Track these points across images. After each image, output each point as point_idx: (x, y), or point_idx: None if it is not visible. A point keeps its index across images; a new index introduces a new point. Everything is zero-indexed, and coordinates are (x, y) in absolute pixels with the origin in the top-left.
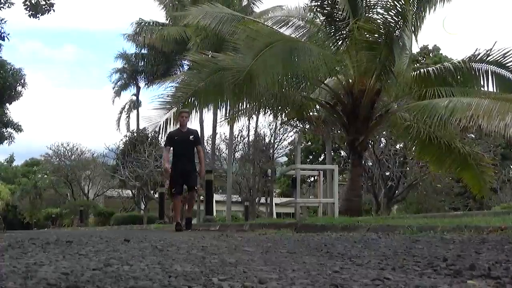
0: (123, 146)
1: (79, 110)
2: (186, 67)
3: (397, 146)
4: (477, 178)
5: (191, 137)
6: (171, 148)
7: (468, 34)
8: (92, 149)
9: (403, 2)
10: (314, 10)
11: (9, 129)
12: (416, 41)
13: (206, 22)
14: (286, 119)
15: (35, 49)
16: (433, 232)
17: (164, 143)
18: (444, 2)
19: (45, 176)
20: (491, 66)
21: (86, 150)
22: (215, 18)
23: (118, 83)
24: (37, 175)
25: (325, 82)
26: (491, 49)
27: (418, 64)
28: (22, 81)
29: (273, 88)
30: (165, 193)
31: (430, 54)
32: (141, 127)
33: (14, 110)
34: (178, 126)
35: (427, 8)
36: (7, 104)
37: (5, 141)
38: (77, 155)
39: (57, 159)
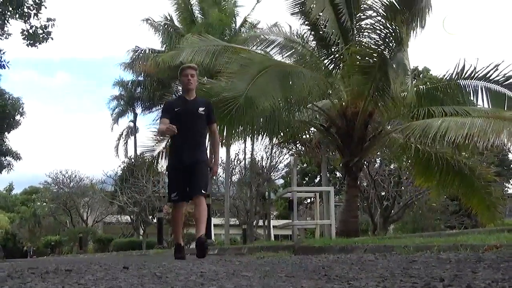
0: (121, 172)
1: (77, 138)
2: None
3: (392, 166)
4: (485, 203)
5: (200, 109)
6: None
7: (455, 55)
8: (91, 176)
9: (396, 23)
10: (306, 34)
11: (8, 158)
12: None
13: (199, 58)
14: (281, 141)
15: (29, 77)
16: (430, 251)
17: (160, 117)
18: (422, 27)
19: (44, 204)
20: (480, 82)
21: (84, 176)
22: (208, 53)
23: (116, 110)
24: (36, 203)
25: (318, 105)
26: (476, 65)
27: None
28: (21, 109)
29: (268, 112)
30: (164, 217)
31: (420, 76)
32: (138, 153)
33: (12, 139)
34: (181, 94)
35: (415, 29)
36: (5, 133)
37: (4, 170)
38: (76, 182)
39: (56, 187)
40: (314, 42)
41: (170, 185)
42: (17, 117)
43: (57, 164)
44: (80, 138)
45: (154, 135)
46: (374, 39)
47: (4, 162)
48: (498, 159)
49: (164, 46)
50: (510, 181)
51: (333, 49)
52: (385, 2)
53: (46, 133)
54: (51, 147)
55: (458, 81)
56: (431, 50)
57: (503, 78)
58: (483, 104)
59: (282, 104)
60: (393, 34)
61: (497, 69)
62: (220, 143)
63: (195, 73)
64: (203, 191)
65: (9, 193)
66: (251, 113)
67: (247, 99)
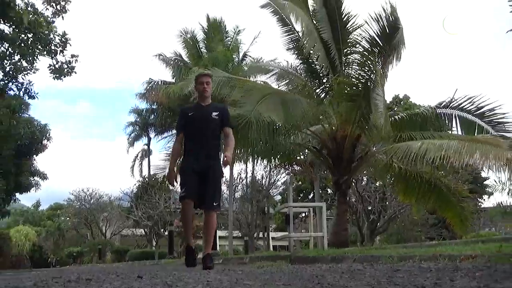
0: (136, 190)
1: (96, 159)
2: None
3: (377, 184)
4: (458, 216)
5: (214, 114)
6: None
7: (433, 84)
8: (109, 193)
9: (372, 61)
10: (300, 67)
11: (36, 178)
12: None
13: None
14: (278, 164)
15: (54, 105)
16: (412, 261)
17: (176, 126)
18: (398, 60)
19: (68, 218)
20: (455, 111)
21: (103, 194)
22: (213, 84)
23: (132, 135)
24: (60, 218)
25: (311, 129)
26: (453, 96)
27: (391, 111)
28: (48, 135)
29: (268, 135)
30: (175, 229)
31: (401, 102)
32: (152, 173)
33: (40, 161)
34: (197, 100)
35: (390, 65)
36: (34, 156)
37: (33, 189)
38: (96, 199)
39: (78, 203)
40: (307, 73)
41: (181, 186)
42: (45, 142)
43: (79, 183)
44: (100, 159)
45: (166, 157)
46: (359, 71)
47: (33, 181)
48: (472, 176)
49: (174, 78)
50: (483, 196)
51: (323, 80)
52: (368, 39)
53: (70, 155)
54: (74, 168)
55: (436, 109)
56: (411, 79)
57: (475, 108)
58: (457, 131)
59: (281, 128)
60: (374, 66)
61: (470, 101)
62: (233, 144)
63: (210, 80)
64: (214, 204)
65: (37, 209)
66: (258, 130)
67: (255, 115)
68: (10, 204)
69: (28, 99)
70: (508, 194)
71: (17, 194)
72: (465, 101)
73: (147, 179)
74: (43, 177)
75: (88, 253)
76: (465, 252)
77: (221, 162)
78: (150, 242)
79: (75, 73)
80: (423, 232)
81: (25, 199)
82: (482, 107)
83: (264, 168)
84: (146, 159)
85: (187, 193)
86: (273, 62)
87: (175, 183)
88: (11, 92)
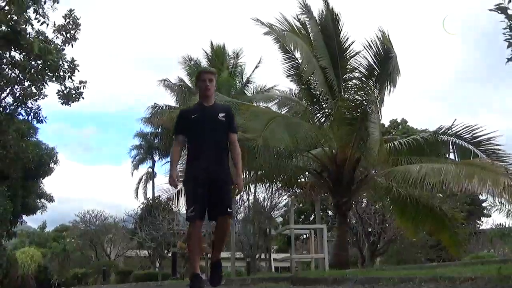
0: (140, 212)
1: (102, 182)
2: None
3: (377, 206)
4: (453, 239)
5: (221, 115)
6: (185, 138)
7: (430, 108)
8: (114, 215)
9: (369, 86)
10: (301, 92)
11: (42, 200)
12: (380, 115)
13: None
14: (280, 187)
15: (61, 129)
16: (412, 283)
17: (174, 129)
18: (393, 86)
19: (73, 240)
20: (452, 138)
21: (108, 216)
22: None
23: (137, 158)
24: (65, 240)
25: (312, 152)
26: (452, 124)
27: (390, 135)
28: (55, 158)
29: (273, 158)
30: (178, 251)
31: (400, 126)
32: (156, 195)
33: (46, 183)
34: (198, 100)
35: (386, 90)
36: (41, 179)
37: (39, 211)
38: (101, 221)
39: (83, 225)
40: (307, 98)
41: (188, 201)
42: (52, 165)
43: (85, 205)
44: (105, 182)
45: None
46: (356, 95)
47: (39, 204)
48: (470, 198)
49: (178, 103)
50: (482, 218)
51: (323, 105)
52: (364, 65)
53: (76, 178)
54: (80, 190)
55: (434, 135)
56: (409, 102)
57: (471, 137)
58: (454, 157)
59: (284, 151)
60: (371, 91)
61: (467, 130)
62: (240, 159)
63: (214, 77)
64: (229, 210)
65: (42, 230)
66: (265, 154)
67: (264, 140)
68: (17, 225)
69: (37, 123)
70: (506, 215)
71: (24, 216)
72: (462, 129)
73: (151, 201)
74: (50, 199)
75: (93, 274)
76: (465, 274)
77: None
78: (154, 263)
79: (83, 98)
80: (423, 253)
81: (31, 221)
82: (479, 136)
83: (266, 190)
84: (151, 181)
85: (196, 212)
86: (276, 90)
87: (178, 186)
88: (20, 117)
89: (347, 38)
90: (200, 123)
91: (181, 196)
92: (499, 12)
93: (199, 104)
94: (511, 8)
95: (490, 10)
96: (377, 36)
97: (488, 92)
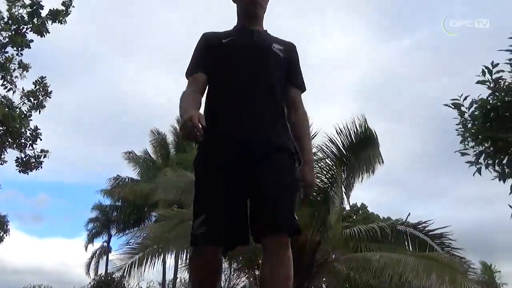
0: None
1: (51, 255)
2: (154, 218)
3: None
4: None
5: (277, 46)
6: (207, 79)
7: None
8: None
9: (335, 169)
10: None
11: None
12: (348, 202)
13: (171, 196)
14: (240, 266)
15: (13, 197)
16: None
17: (189, 64)
18: (370, 173)
19: None
20: (409, 229)
21: None
22: (178, 190)
23: (92, 231)
24: None
25: None
26: (406, 219)
27: (350, 220)
28: (5, 227)
29: None
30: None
31: (360, 211)
32: (109, 271)
33: None
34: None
35: (356, 176)
36: None
37: None
38: None
39: None
40: None
41: (195, 205)
42: (1, 234)
43: (30, 279)
44: (55, 255)
45: (124, 255)
46: (322, 178)
47: None
48: None
49: (141, 176)
50: None
51: None
52: (333, 150)
53: (24, 248)
54: (28, 262)
55: (392, 225)
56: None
57: (426, 230)
58: (410, 248)
59: None
60: (334, 177)
61: (423, 224)
62: (309, 126)
63: None
64: (289, 224)
65: None
66: None
67: None
68: None
69: None
70: None
71: None
72: (416, 222)
73: (103, 277)
74: None
75: None
76: None
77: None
78: None
79: (41, 167)
80: None
81: None
82: (432, 230)
83: (224, 270)
84: (104, 257)
85: (208, 227)
86: None
87: (199, 135)
88: None
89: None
90: (238, 52)
91: (135, 267)
92: (453, 107)
93: (239, 26)
94: (465, 105)
95: (445, 105)
96: (354, 121)
97: (443, 180)
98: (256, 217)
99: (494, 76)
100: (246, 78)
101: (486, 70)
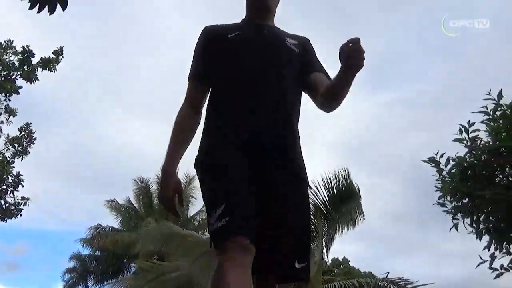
0: None
1: None
2: (133, 269)
3: None
4: None
5: (290, 41)
6: (210, 82)
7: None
8: None
9: (316, 221)
10: None
11: None
12: (327, 256)
13: (152, 247)
14: None
15: None
16: None
17: (191, 68)
18: (349, 226)
19: None
20: (390, 285)
21: None
22: (159, 240)
23: (69, 282)
24: None
25: None
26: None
27: (332, 274)
28: None
29: None
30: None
31: (341, 266)
32: None
33: None
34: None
35: (337, 229)
36: None
37: None
38: None
39: None
40: None
41: (209, 201)
42: None
43: None
44: None
45: None
46: None
47: None
48: None
49: (122, 225)
50: None
51: None
52: (316, 202)
53: None
54: None
55: (375, 281)
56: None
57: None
58: None
59: None
60: (317, 229)
61: (401, 280)
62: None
63: None
64: (297, 266)
65: None
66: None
67: (194, 276)
68: None
69: None
70: None
71: None
72: (398, 279)
73: None
74: None
75: None
76: None
77: None
78: None
79: (21, 215)
80: None
81: None
82: (416, 286)
83: None
84: None
85: (231, 218)
86: None
87: (177, 208)
88: None
89: None
90: (245, 48)
91: None
92: (432, 164)
93: (246, 20)
94: (442, 163)
95: (424, 161)
96: (336, 174)
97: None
98: (273, 244)
99: (470, 135)
100: (255, 70)
101: (463, 129)
